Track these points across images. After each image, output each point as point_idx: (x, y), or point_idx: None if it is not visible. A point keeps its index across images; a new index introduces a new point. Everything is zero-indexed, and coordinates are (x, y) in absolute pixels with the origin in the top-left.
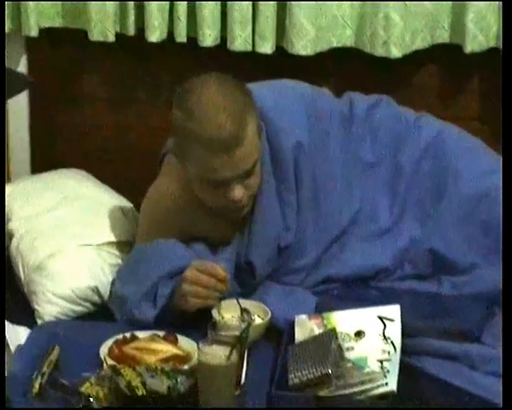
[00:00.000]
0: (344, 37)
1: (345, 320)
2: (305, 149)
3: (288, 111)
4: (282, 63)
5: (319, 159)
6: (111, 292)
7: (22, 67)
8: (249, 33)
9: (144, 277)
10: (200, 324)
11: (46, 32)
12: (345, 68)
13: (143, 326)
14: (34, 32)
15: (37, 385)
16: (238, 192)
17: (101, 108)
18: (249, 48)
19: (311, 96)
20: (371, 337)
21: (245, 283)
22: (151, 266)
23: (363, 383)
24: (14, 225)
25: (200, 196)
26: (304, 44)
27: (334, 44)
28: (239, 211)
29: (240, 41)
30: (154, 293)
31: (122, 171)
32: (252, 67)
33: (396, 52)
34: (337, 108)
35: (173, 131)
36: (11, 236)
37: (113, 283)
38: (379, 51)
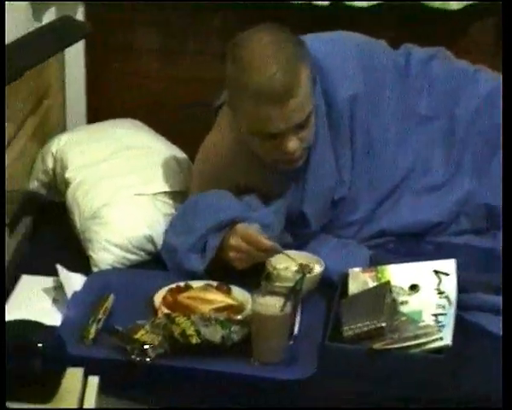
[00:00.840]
0: None
1: (399, 274)
2: (361, 101)
3: (343, 62)
4: (339, 16)
5: (374, 111)
6: (164, 242)
7: (79, 16)
8: None
9: (193, 228)
10: (252, 275)
11: None
12: (402, 21)
13: (196, 276)
14: None
15: (93, 331)
16: (292, 144)
17: (156, 59)
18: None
19: (366, 47)
20: (426, 291)
21: (298, 234)
22: (200, 217)
23: (417, 337)
24: (71, 173)
25: (254, 149)
26: None
27: None
28: (293, 163)
29: None
30: (202, 244)
31: (176, 122)
32: (308, 19)
33: (455, 4)
34: (393, 59)
35: (226, 83)
36: (67, 184)
37: (165, 233)
38: (437, 3)
